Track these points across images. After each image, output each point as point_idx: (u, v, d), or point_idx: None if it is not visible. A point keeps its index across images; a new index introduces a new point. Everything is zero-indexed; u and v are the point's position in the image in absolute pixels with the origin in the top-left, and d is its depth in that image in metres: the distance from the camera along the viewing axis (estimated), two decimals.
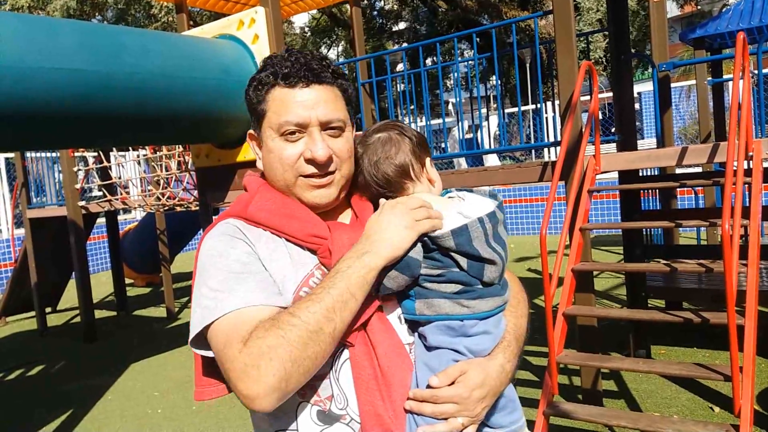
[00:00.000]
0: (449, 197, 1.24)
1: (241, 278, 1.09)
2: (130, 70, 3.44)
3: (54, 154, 8.32)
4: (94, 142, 4.87)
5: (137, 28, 5.16)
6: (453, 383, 1.07)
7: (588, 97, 3.94)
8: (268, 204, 1.19)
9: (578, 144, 3.56)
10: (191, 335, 1.09)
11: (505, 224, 1.20)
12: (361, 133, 1.30)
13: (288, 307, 1.06)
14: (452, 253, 1.11)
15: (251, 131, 1.25)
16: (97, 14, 16.12)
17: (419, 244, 1.12)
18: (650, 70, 6.23)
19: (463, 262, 1.11)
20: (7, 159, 10.33)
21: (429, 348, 1.12)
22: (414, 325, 1.15)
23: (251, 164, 4.63)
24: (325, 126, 1.16)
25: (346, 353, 1.11)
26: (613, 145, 4.99)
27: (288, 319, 1.01)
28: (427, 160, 1.25)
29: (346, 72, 1.21)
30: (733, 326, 2.55)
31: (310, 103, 1.15)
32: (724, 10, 7.69)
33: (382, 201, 1.19)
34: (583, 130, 3.60)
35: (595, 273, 5.32)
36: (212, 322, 1.05)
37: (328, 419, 1.10)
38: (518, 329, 1.22)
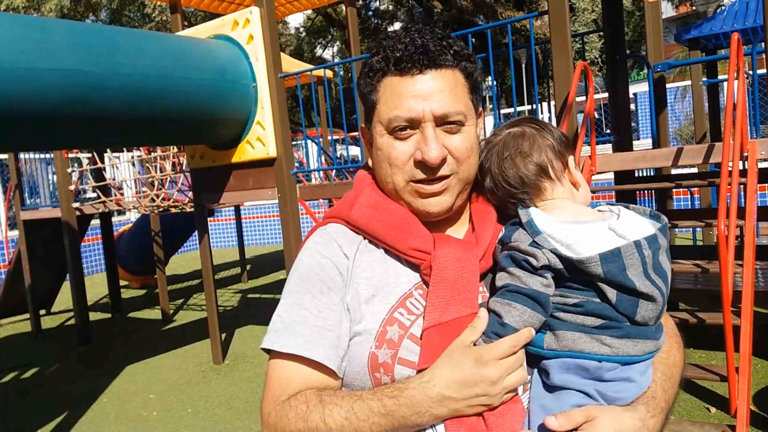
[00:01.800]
0: (599, 210, 1.05)
1: (306, 318, 1.02)
2: (124, 71, 3.43)
3: (48, 155, 8.28)
4: (89, 142, 4.85)
5: (131, 29, 5.14)
6: (576, 430, 0.87)
7: (583, 98, 3.94)
8: (370, 209, 1.06)
9: (574, 144, 3.56)
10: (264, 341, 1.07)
11: (667, 253, 0.96)
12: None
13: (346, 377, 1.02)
14: (598, 283, 0.91)
15: (363, 125, 1.11)
16: (90, 14, 16.07)
17: (550, 276, 0.93)
18: (646, 70, 6.24)
19: (611, 294, 0.90)
20: (0, 160, 10.28)
21: (549, 387, 0.92)
22: (534, 358, 0.94)
23: (246, 165, 4.62)
24: (440, 121, 0.99)
25: None
26: (609, 145, 4.99)
27: (318, 420, 0.94)
28: (570, 159, 1.06)
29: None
30: (728, 327, 2.55)
31: (424, 93, 0.98)
32: (718, 11, 7.72)
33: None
34: (579, 130, 3.60)
35: None
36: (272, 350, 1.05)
37: None
38: (669, 380, 0.97)
